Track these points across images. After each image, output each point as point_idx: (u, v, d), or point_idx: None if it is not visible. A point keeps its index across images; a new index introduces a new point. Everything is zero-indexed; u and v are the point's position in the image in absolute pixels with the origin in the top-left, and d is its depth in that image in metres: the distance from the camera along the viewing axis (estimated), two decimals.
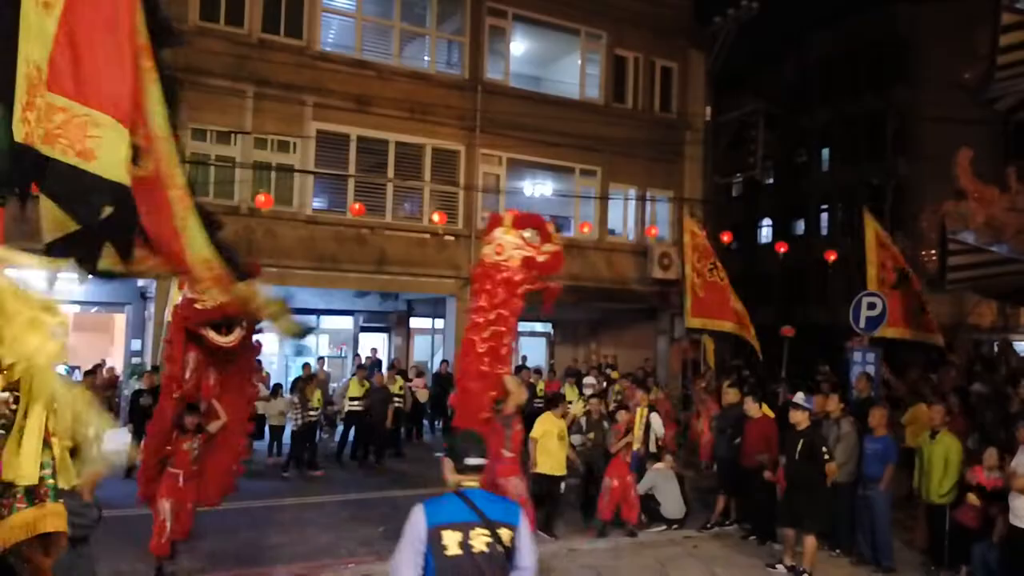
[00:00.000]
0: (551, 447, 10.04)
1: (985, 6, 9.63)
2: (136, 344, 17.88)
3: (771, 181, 37.57)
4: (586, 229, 19.82)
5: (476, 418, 7.88)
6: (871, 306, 13.16)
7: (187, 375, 7.98)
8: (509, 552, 3.70)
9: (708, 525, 10.57)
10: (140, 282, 17.18)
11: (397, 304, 21.69)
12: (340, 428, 15.92)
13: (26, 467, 2.88)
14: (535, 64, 21.82)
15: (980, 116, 14.26)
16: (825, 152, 36.37)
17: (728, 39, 21.26)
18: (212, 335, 7.52)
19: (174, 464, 8.15)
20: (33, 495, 2.93)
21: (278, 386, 15.45)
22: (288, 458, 14.36)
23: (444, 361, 18.89)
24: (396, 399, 15.70)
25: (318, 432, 15.24)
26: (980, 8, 9.99)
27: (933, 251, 9.66)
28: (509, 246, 8.02)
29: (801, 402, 9.50)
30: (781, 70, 37.37)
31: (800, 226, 36.78)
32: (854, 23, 33.15)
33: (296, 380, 15.38)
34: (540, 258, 8.07)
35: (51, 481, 2.97)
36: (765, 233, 38.59)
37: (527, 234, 8.15)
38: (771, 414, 10.59)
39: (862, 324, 13.24)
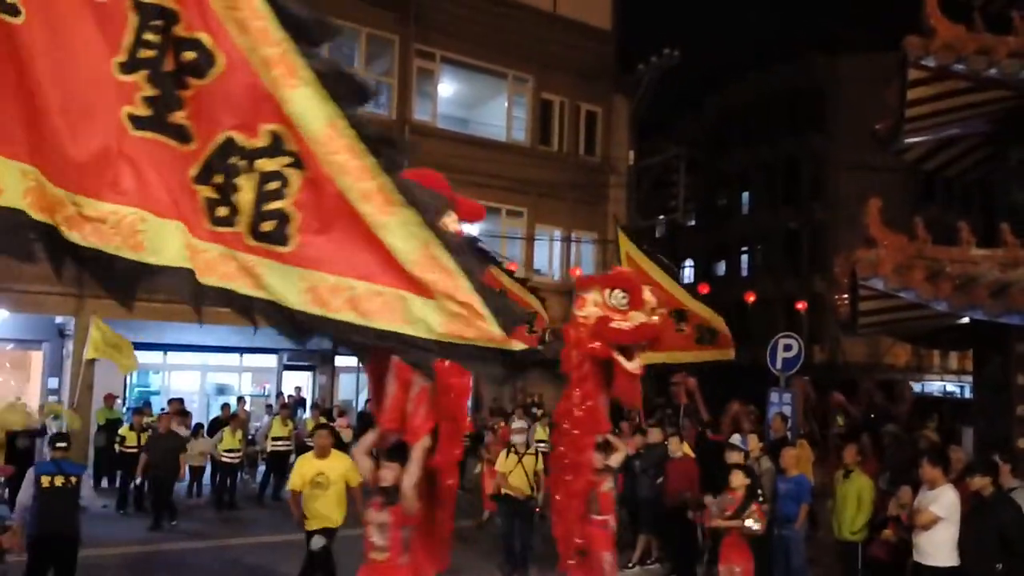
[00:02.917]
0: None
1: (896, 60, 10.01)
2: (53, 382, 17.14)
3: (693, 223, 38.49)
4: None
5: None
6: (787, 347, 13.45)
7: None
8: (76, 487, 7.45)
9: (630, 564, 10.56)
10: (58, 319, 16.65)
11: (321, 341, 21.18)
12: (262, 469, 15.54)
13: None
14: (463, 106, 21.99)
15: (892, 164, 14.88)
16: (745, 196, 37.51)
17: (651, 85, 21.80)
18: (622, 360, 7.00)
19: (600, 510, 7.73)
20: None
21: (199, 426, 14.92)
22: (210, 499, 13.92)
23: (369, 400, 18.53)
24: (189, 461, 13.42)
25: (239, 473, 14.84)
26: (892, 61, 10.37)
27: (846, 295, 9.94)
28: (590, 302, 7.46)
29: (737, 443, 9.64)
30: (703, 116, 38.54)
31: (721, 267, 37.69)
32: (773, 72, 34.48)
33: (214, 421, 14.87)
34: (617, 324, 7.23)
35: None
36: (687, 274, 39.40)
37: (617, 296, 7.43)
38: (692, 453, 10.70)
39: (779, 365, 13.51)
